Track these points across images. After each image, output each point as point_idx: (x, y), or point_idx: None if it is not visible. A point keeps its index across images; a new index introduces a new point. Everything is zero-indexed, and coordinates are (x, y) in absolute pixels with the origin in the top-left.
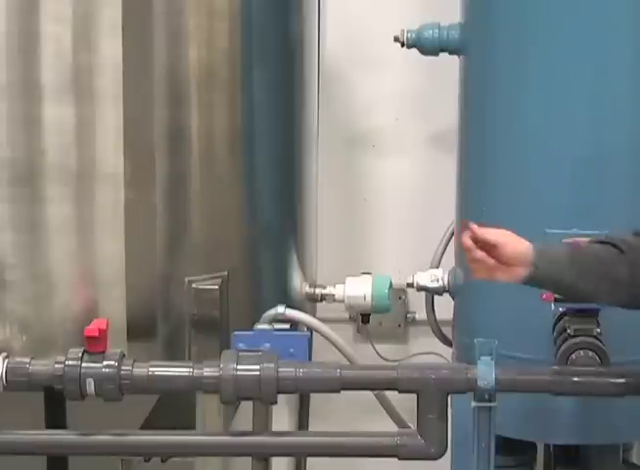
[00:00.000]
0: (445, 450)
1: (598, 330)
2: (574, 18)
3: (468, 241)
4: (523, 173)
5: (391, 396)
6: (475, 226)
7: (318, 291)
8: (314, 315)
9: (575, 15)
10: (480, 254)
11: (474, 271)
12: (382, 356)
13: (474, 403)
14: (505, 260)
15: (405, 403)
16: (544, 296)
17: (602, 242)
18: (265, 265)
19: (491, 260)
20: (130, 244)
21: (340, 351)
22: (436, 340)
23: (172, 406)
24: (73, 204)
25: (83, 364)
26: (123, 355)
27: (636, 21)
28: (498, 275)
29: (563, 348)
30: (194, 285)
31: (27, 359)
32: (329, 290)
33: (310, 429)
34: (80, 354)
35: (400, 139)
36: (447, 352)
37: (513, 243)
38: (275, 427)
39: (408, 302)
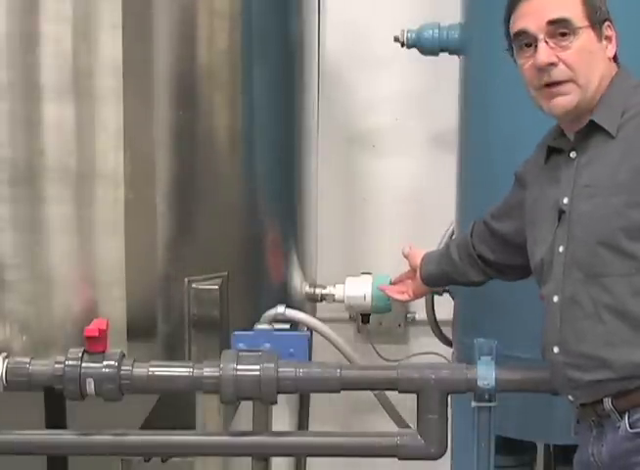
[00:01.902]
0: (445, 450)
1: None
2: None
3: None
4: None
5: (391, 395)
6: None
7: (318, 291)
8: (314, 315)
9: None
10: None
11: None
12: (382, 356)
13: (474, 403)
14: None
15: (405, 403)
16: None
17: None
18: (265, 265)
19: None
20: (130, 244)
21: (340, 351)
22: (436, 340)
23: (172, 406)
24: (73, 204)
25: (83, 364)
26: (123, 355)
27: (634, 23)
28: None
29: None
30: (194, 285)
31: (27, 359)
32: (329, 290)
33: (310, 429)
34: (80, 354)
35: (400, 139)
36: (447, 352)
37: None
38: (275, 427)
39: None
